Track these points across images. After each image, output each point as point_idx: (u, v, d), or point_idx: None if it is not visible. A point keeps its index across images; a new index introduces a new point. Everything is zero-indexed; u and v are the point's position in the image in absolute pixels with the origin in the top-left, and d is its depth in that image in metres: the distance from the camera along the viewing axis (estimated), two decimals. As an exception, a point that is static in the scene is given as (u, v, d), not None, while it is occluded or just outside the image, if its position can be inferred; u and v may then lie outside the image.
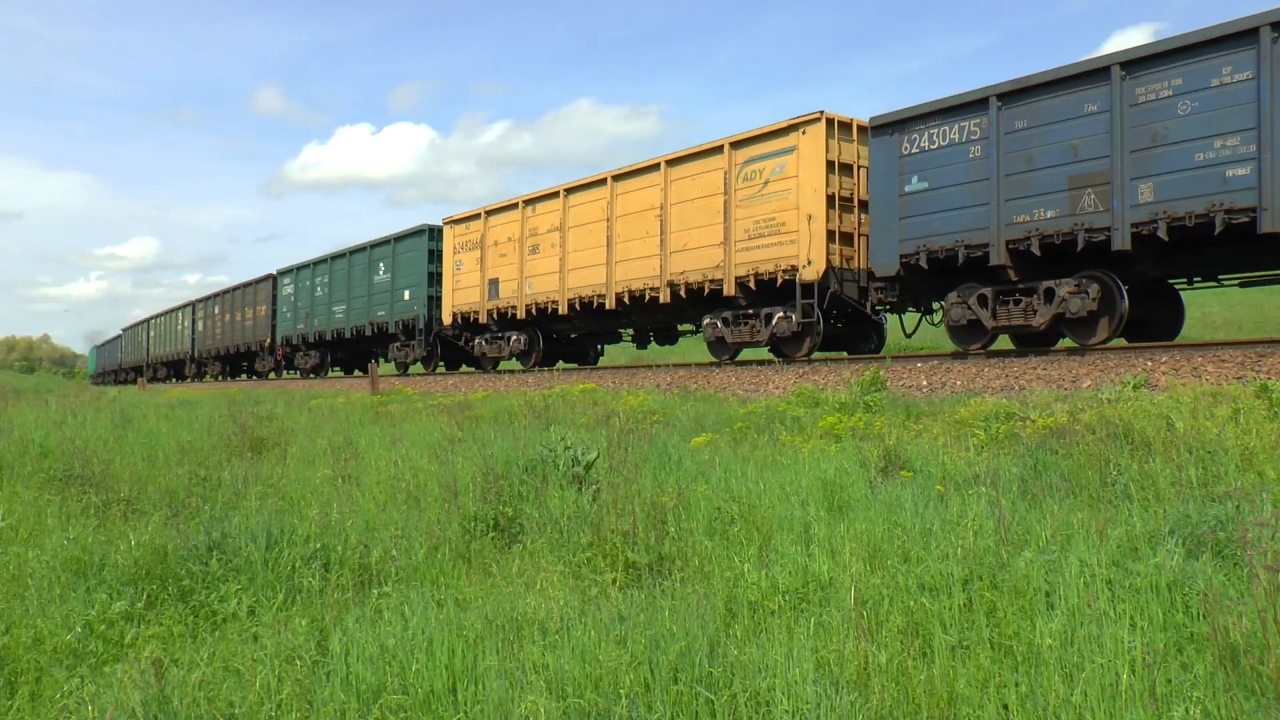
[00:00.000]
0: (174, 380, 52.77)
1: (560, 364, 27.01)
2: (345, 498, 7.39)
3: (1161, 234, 12.84)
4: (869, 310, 18.07)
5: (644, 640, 3.93)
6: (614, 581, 5.22)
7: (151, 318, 59.50)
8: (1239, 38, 12.16)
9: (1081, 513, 5.54)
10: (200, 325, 48.55)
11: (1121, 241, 13.26)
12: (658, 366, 20.29)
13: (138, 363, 61.73)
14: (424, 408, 16.35)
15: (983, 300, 15.28)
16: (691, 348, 23.29)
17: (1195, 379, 10.85)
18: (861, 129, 17.66)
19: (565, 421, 12.07)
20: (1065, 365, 12.93)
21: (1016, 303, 14.89)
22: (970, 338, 15.81)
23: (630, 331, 25.00)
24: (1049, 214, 14.12)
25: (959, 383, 13.41)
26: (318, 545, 5.73)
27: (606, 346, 28.38)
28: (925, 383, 13.87)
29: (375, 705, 3.70)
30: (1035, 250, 14.22)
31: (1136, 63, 13.17)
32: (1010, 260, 14.62)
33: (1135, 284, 14.57)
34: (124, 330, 69.71)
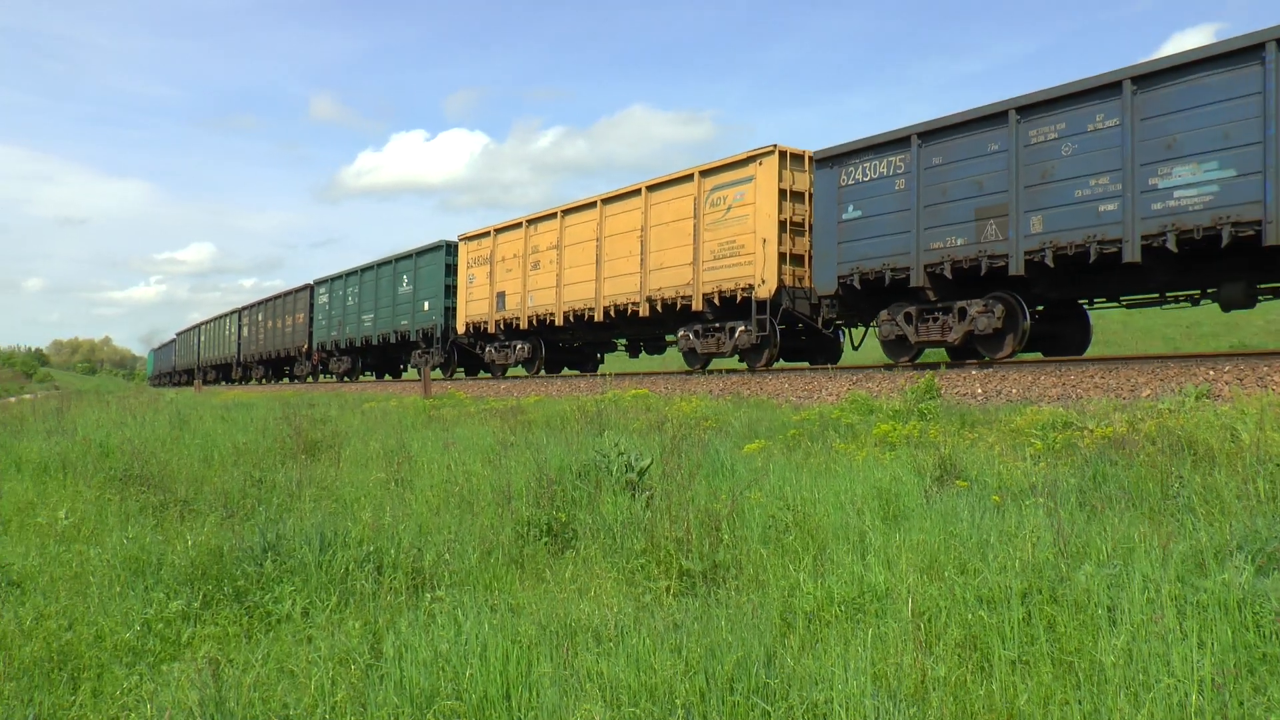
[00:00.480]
0: (222, 383, 54.55)
1: (565, 370, 29.47)
2: (398, 501, 7.42)
3: (1049, 261, 14.59)
4: (820, 325, 19.64)
5: (700, 649, 3.90)
6: (668, 589, 5.20)
7: (202, 323, 62.64)
8: (1108, 88, 13.96)
9: (1143, 526, 5.42)
10: (245, 331, 51.40)
11: (1016, 268, 15.05)
12: (711, 373, 20.61)
13: (190, 366, 65.09)
14: (476, 412, 16.42)
15: (908, 317, 17.17)
16: (677, 357, 24.60)
17: (1261, 389, 10.63)
18: (812, 160, 19.14)
19: (618, 427, 12.07)
20: (1123, 374, 12.74)
21: (935, 320, 16.77)
22: (900, 351, 17.69)
23: (623, 341, 27.27)
24: (959, 241, 15.95)
25: (1014, 391, 13.26)
26: (371, 548, 5.75)
27: (605, 355, 30.33)
28: (980, 390, 13.72)
29: (429, 711, 3.70)
30: (948, 274, 16.04)
31: (1029, 108, 14.94)
32: (929, 282, 16.44)
33: (1038, 304, 16.73)
34: (178, 335, 72.66)
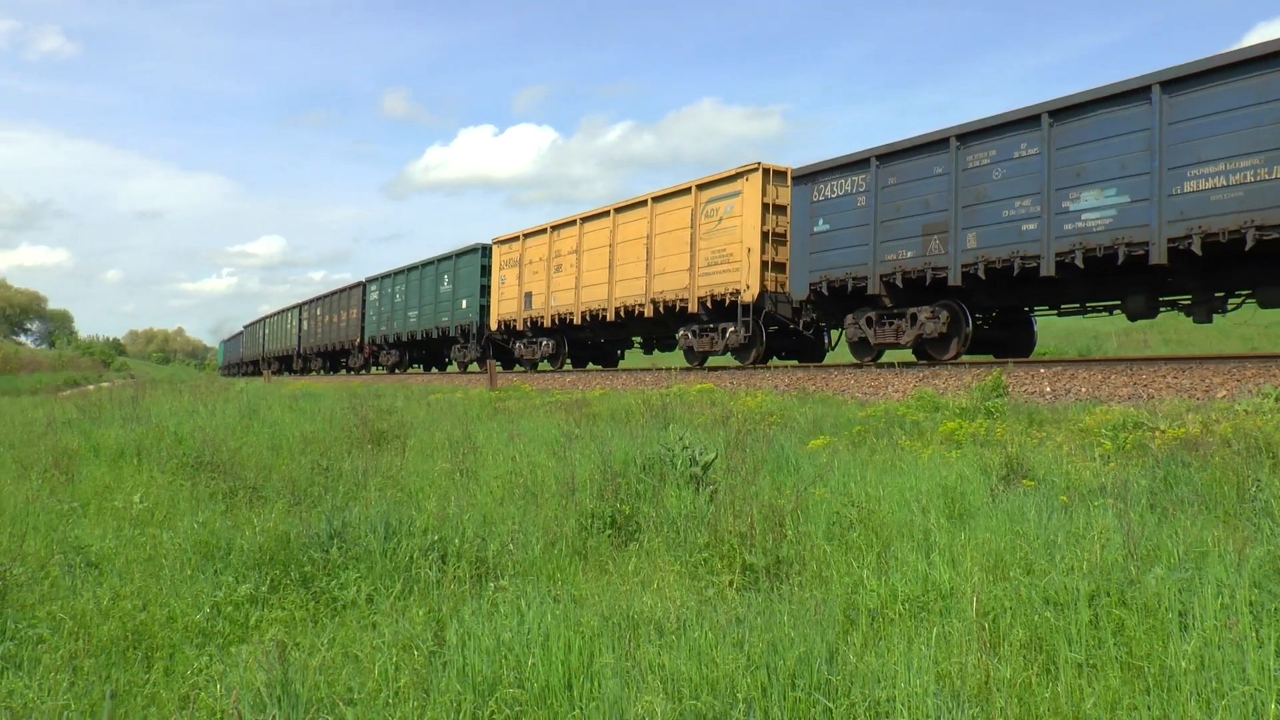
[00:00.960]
0: (285, 373, 56.19)
1: (590, 365, 31.74)
2: (463, 491, 7.48)
3: (981, 274, 16.25)
4: (800, 327, 21.41)
5: (762, 644, 3.90)
6: (731, 583, 5.20)
7: (267, 317, 66.25)
8: (1031, 120, 15.66)
9: (1216, 530, 5.31)
10: (305, 325, 54.61)
11: (955, 279, 16.72)
12: (775, 368, 20.69)
13: (256, 357, 68.35)
14: (541, 404, 16.50)
15: (869, 321, 19.00)
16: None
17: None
18: (791, 177, 20.96)
19: (682, 421, 12.06)
20: (1198, 374, 12.49)
21: (891, 324, 18.50)
22: (863, 351, 19.61)
23: (639, 339, 29.39)
24: (909, 254, 17.72)
25: (1084, 390, 13.06)
26: (435, 537, 5.82)
27: (625, 351, 32.49)
28: (1049, 389, 13.54)
29: (492, 698, 3.74)
30: (899, 283, 17.86)
31: (967, 135, 16.65)
32: (884, 290, 18.21)
33: (978, 311, 18.15)
34: (245, 327, 75.70)
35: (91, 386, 40.47)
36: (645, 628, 4.38)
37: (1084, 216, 14.85)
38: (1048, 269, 15.21)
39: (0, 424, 13.98)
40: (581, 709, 3.60)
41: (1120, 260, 14.28)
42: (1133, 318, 16.00)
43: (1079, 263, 14.75)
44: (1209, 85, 13.42)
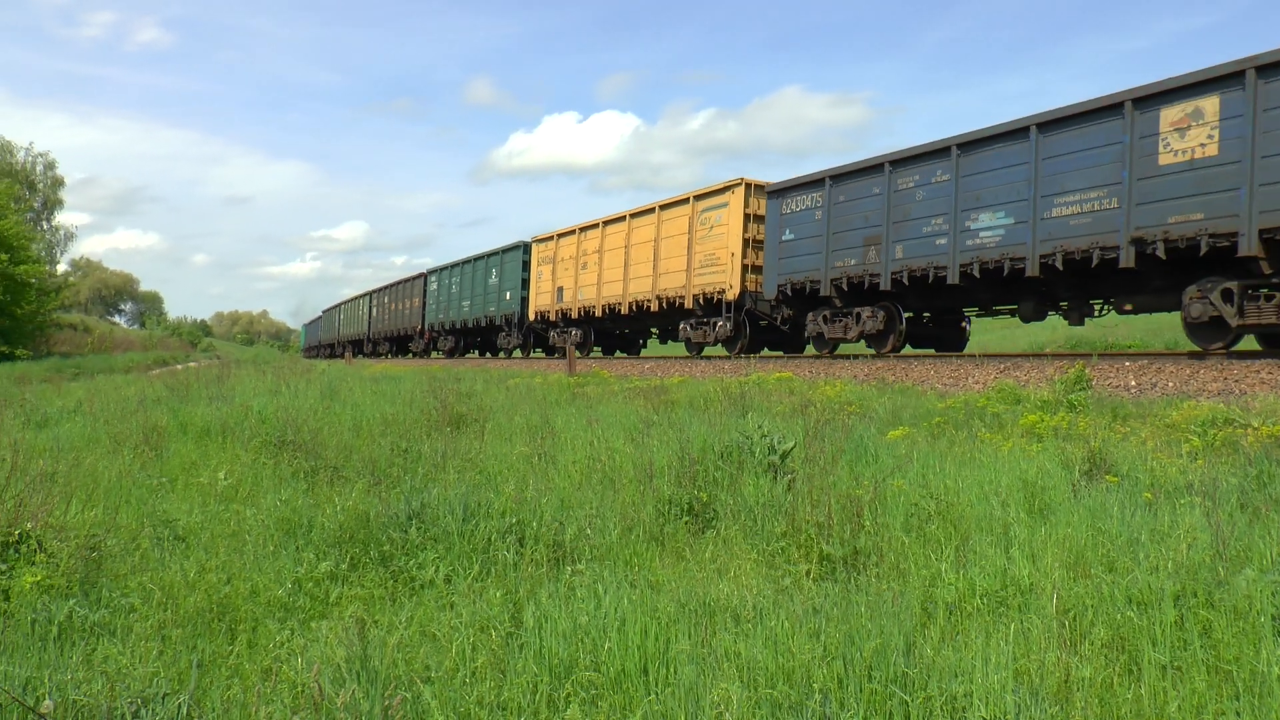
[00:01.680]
0: (359, 356, 58.46)
1: (618, 352, 35.07)
2: (541, 475, 7.53)
3: (905, 280, 19.26)
4: (779, 322, 24.59)
5: (838, 635, 3.88)
6: (808, 573, 5.18)
7: (342, 303, 70.53)
8: (944, 151, 18.44)
9: (1313, 531, 5.18)
10: (374, 311, 58.59)
11: (886, 284, 19.73)
12: (855, 358, 20.91)
13: (332, 340, 72.74)
14: (619, 390, 16.55)
15: (825, 319, 21.94)
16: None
17: None
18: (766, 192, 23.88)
19: (761, 409, 12.02)
20: (1293, 370, 12.16)
21: (841, 321, 21.53)
22: (821, 344, 22.43)
23: (655, 330, 32.58)
24: (852, 262, 20.73)
25: (1171, 384, 12.77)
26: (513, 520, 5.87)
27: (647, 340, 35.10)
28: (1134, 383, 13.26)
29: (568, 681, 3.77)
30: (845, 287, 20.92)
31: (897, 162, 19.56)
32: (834, 293, 21.28)
33: (912, 311, 21.27)
34: (324, 312, 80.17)
35: (179, 366, 41.53)
36: (721, 615, 4.38)
37: (980, 235, 17.80)
38: (954, 278, 18.15)
39: (96, 401, 14.37)
40: (657, 694, 3.61)
41: (1006, 273, 17.21)
42: (1025, 320, 19.03)
43: (976, 273, 17.68)
44: (1071, 128, 16.22)
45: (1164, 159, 14.83)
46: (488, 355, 43.38)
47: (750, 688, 3.62)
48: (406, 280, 51.54)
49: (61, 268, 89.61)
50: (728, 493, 6.65)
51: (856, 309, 21.03)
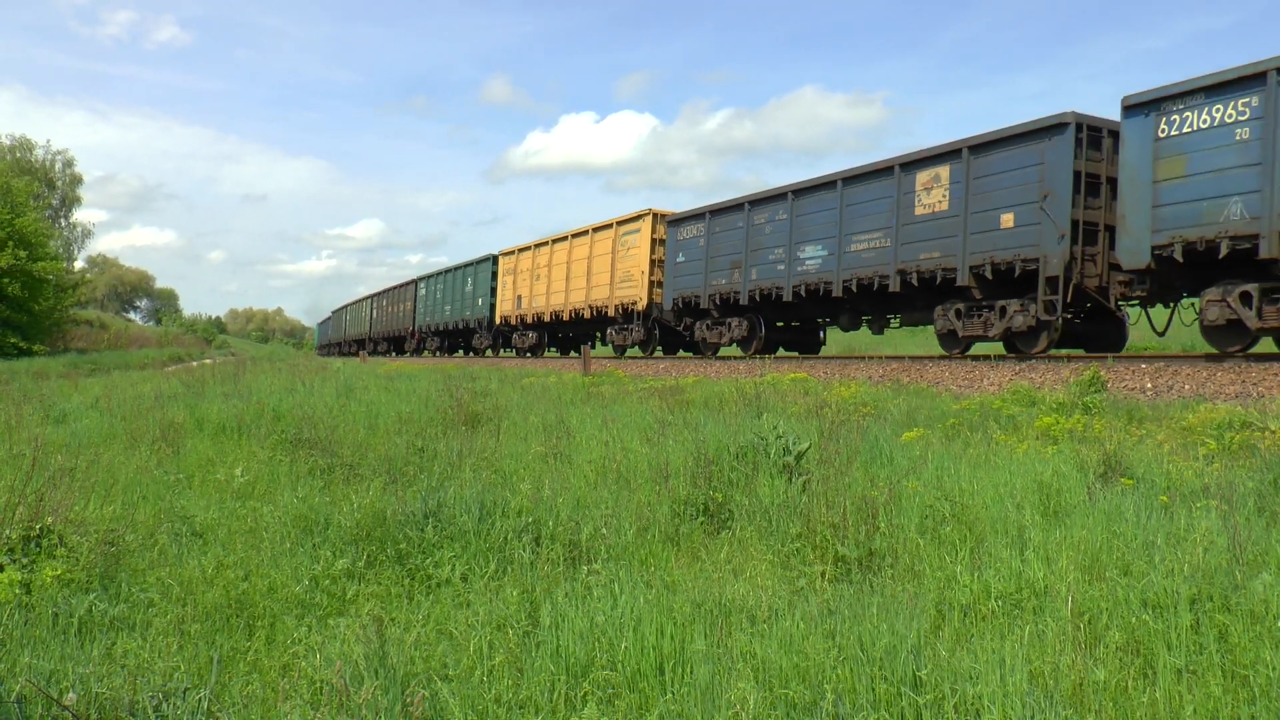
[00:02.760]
0: (361, 354, 60.48)
1: (573, 353, 39.81)
2: (557, 475, 7.54)
3: (758, 298, 24.54)
4: (680, 329, 29.15)
5: (853, 636, 3.89)
6: (823, 574, 5.19)
7: (348, 305, 76.66)
8: (784, 196, 23.60)
9: (1332, 536, 5.16)
10: (375, 313, 64.32)
11: (744, 300, 25.06)
12: (870, 358, 21.51)
13: (340, 339, 78.38)
14: (635, 390, 16.54)
15: (705, 327, 27.52)
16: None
17: None
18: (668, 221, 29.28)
19: (776, 410, 12.01)
20: (1310, 374, 12.11)
21: (716, 329, 27.13)
22: (705, 347, 27.89)
23: (598, 333, 37.06)
24: (723, 282, 25.99)
25: (1188, 387, 12.73)
26: (529, 519, 5.89)
27: (593, 343, 39.13)
28: (1150, 385, 13.22)
29: (584, 680, 3.79)
30: (718, 301, 26.26)
31: (755, 203, 24.85)
32: (712, 306, 26.62)
33: (767, 322, 25.94)
34: (333, 313, 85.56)
35: (195, 363, 41.82)
36: (737, 616, 4.40)
37: (806, 263, 22.75)
38: (788, 296, 23.26)
39: (113, 397, 14.45)
40: (674, 694, 3.63)
41: (821, 293, 22.34)
42: (844, 330, 24.18)
43: (804, 293, 22.77)
44: (863, 182, 21.14)
45: (918, 210, 19.73)
46: (471, 355, 47.48)
47: (765, 688, 3.63)
48: (400, 286, 57.52)
49: (78, 264, 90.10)
50: (743, 493, 6.66)
51: (728, 319, 26.60)
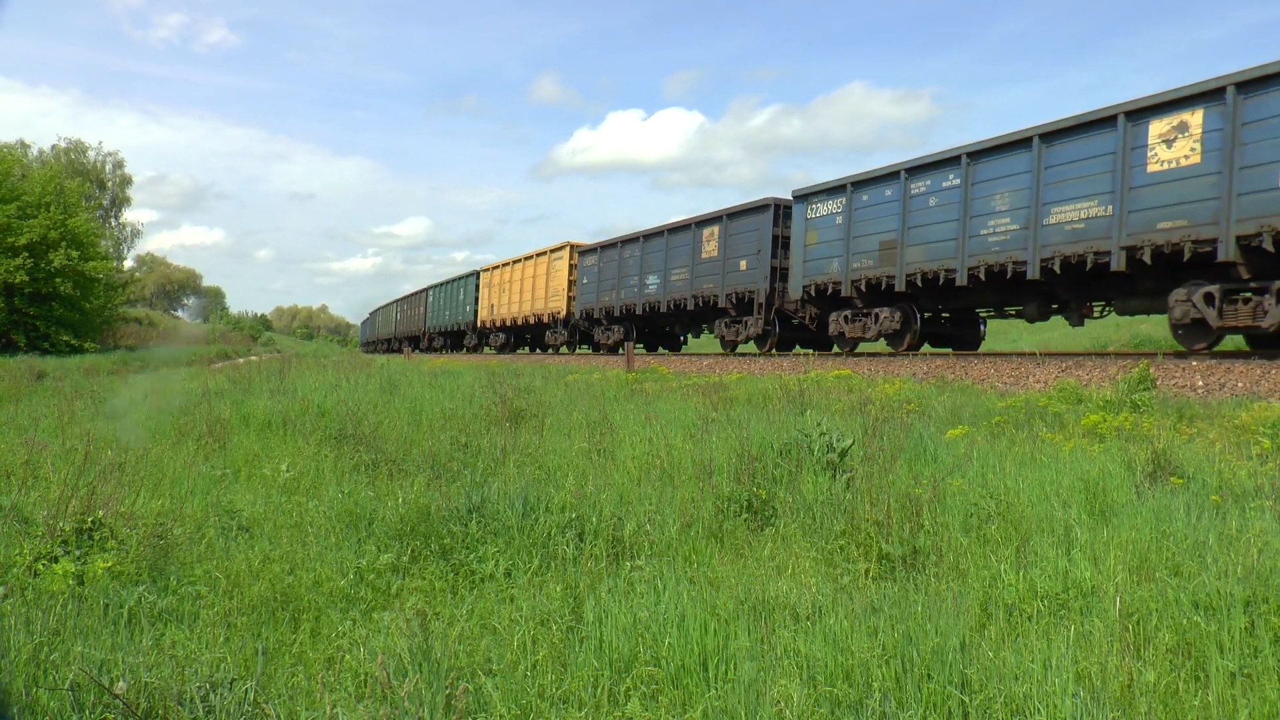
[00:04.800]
0: (386, 352, 66.81)
1: (537, 349, 46.19)
2: (600, 471, 7.56)
3: (641, 311, 31.62)
4: (590, 333, 37.25)
5: (897, 634, 3.87)
6: (867, 572, 5.16)
7: (380, 308, 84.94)
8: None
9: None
10: (398, 316, 72.66)
11: (619, 312, 33.01)
12: (914, 355, 20.76)
13: (375, 338, 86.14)
14: (678, 387, 16.52)
15: (600, 331, 35.50)
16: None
17: None
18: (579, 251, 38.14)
19: (819, 407, 11.97)
20: (1366, 373, 11.88)
21: (608, 333, 34.59)
22: (601, 347, 35.40)
23: (547, 334, 44.41)
24: (610, 299, 33.95)
25: (1240, 385, 12.53)
26: (573, 515, 5.90)
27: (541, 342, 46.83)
28: (1200, 383, 13.03)
29: (628, 675, 3.79)
30: (617, 313, 33.38)
31: (627, 241, 33.01)
32: (604, 317, 34.68)
33: (650, 327, 34.72)
34: (370, 313, 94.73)
35: (241, 360, 42.29)
36: (781, 613, 4.39)
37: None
38: (664, 309, 30.43)
39: (162, 393, 14.62)
40: (717, 690, 3.62)
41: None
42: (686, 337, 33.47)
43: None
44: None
45: (705, 252, 28.91)
46: (464, 351, 54.81)
47: (810, 685, 3.62)
48: (417, 293, 66.26)
49: (128, 264, 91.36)
50: (787, 490, 6.64)
51: (615, 325, 34.56)
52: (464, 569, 5.29)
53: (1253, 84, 13.87)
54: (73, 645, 3.83)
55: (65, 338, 45.95)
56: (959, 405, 11.89)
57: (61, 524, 5.08)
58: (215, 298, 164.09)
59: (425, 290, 62.55)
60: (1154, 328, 30.97)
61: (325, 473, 7.83)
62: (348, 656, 4.06)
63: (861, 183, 21.70)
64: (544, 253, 41.35)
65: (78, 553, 4.93)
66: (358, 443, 8.91)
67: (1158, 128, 15.16)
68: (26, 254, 44.27)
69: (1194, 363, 14.37)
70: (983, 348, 23.13)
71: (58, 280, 45.63)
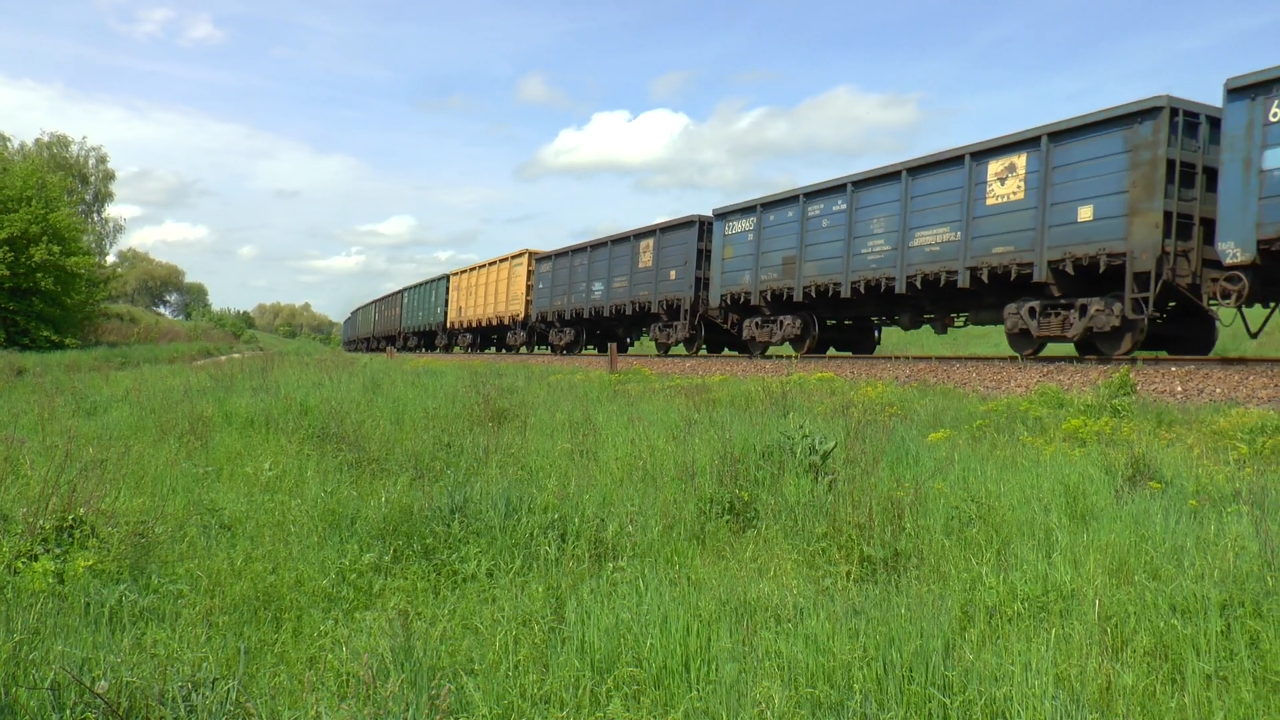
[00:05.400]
0: (375, 351, 68.25)
1: (502, 350, 49.68)
2: (582, 472, 7.56)
3: (589, 315, 35.60)
4: (547, 334, 40.70)
5: (879, 636, 3.89)
6: (848, 574, 5.18)
7: (360, 308, 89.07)
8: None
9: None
10: (376, 316, 76.25)
11: (570, 316, 37.09)
12: (896, 358, 21.26)
13: (356, 337, 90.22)
14: (661, 388, 16.51)
15: (554, 332, 39.21)
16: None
17: None
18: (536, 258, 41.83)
19: (802, 409, 11.99)
20: (1342, 379, 11.99)
21: (562, 335, 38.33)
22: (557, 349, 39.14)
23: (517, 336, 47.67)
24: (562, 303, 37.60)
25: (1218, 390, 12.62)
26: (555, 516, 5.91)
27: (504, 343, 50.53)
28: (1179, 388, 13.12)
29: (610, 676, 3.80)
30: (563, 317, 37.75)
31: (576, 251, 37.01)
32: (556, 320, 38.41)
33: (602, 328, 37.99)
34: (352, 312, 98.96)
35: (223, 357, 42.22)
36: (762, 614, 4.40)
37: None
38: (607, 314, 33.93)
39: (143, 390, 14.56)
40: (699, 691, 3.64)
41: (620, 313, 32.43)
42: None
43: (590, 315, 35.16)
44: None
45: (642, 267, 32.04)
46: (436, 351, 58.21)
47: (791, 687, 3.63)
48: (394, 294, 69.32)
49: (110, 259, 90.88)
50: (769, 492, 6.65)
51: (567, 328, 38.14)
52: (446, 569, 5.29)
53: (1059, 135, 17.20)
54: (53, 644, 3.81)
55: (46, 333, 45.71)
56: (941, 409, 11.93)
57: (42, 522, 5.05)
58: (197, 294, 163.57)
59: (401, 291, 66.17)
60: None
61: (308, 472, 7.80)
62: (330, 656, 4.05)
63: (770, 204, 25.19)
64: (506, 259, 44.91)
65: (58, 551, 4.90)
66: (340, 441, 8.89)
67: (994, 167, 18.44)
68: (7, 248, 43.98)
69: (1173, 369, 14.48)
70: (968, 351, 24.82)
71: (39, 275, 45.37)
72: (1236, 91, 14.44)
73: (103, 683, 3.31)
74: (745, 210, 26.17)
